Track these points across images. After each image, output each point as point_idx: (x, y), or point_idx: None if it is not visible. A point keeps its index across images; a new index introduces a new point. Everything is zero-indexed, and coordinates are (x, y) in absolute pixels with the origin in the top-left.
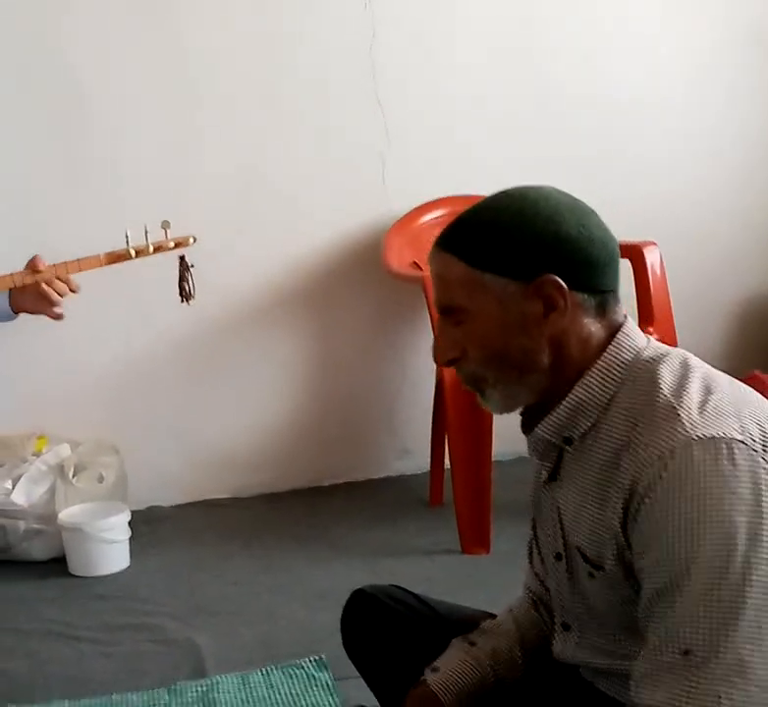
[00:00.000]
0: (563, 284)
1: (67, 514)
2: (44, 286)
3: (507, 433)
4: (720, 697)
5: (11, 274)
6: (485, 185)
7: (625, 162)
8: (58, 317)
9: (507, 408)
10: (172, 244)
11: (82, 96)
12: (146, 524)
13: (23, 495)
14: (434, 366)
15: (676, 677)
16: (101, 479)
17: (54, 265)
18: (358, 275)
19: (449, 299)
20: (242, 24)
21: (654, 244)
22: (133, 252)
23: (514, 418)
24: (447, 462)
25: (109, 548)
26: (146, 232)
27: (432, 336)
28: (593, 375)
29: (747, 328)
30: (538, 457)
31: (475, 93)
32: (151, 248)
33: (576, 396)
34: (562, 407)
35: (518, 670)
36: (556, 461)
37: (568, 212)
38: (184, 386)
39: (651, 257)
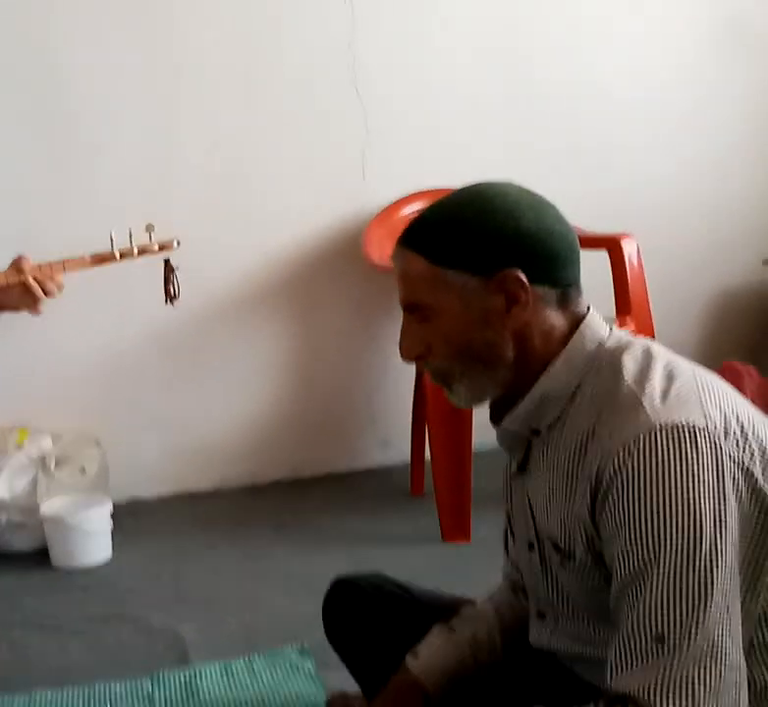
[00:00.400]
0: (524, 278)
1: (49, 505)
2: (31, 280)
3: (486, 424)
4: (695, 681)
5: None
6: (465, 177)
7: (603, 154)
8: (38, 313)
9: (474, 402)
10: (156, 247)
11: (64, 90)
12: (128, 516)
13: (4, 487)
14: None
15: (650, 663)
16: (83, 471)
17: (39, 265)
18: (340, 267)
19: (412, 297)
20: (223, 18)
21: (630, 236)
22: (117, 255)
23: None
24: (427, 452)
25: (91, 540)
26: (130, 235)
27: None
28: (557, 367)
29: (724, 318)
30: (507, 448)
31: (456, 87)
32: (136, 251)
33: (542, 388)
34: (528, 399)
35: (497, 655)
36: (524, 452)
37: (527, 207)
38: (165, 378)
39: (628, 249)
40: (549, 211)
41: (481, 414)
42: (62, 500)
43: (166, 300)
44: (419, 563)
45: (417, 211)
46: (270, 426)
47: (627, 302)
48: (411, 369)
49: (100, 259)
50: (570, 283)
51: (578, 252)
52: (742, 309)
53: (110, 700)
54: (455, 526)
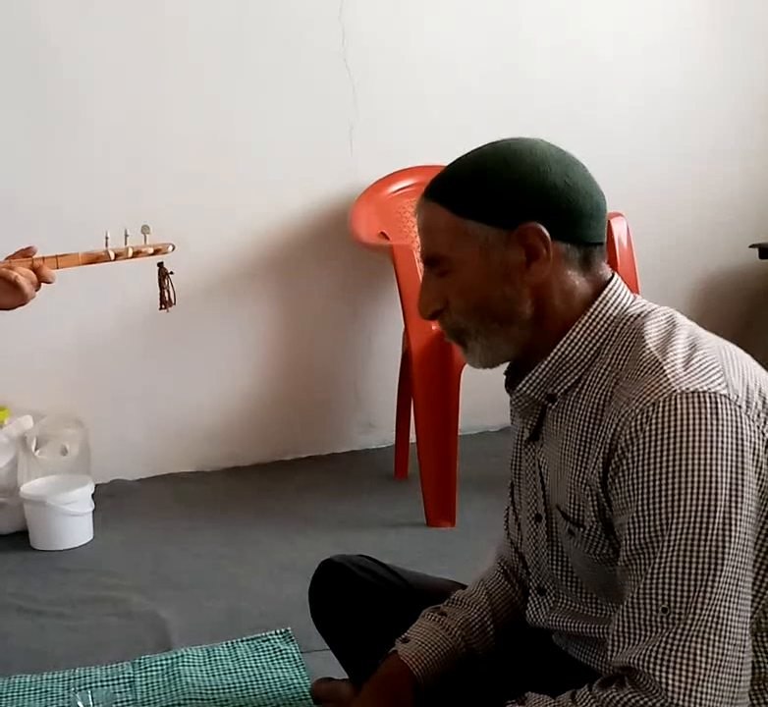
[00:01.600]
0: (545, 232)
1: (29, 486)
2: (15, 273)
3: (472, 407)
4: (696, 654)
5: None
6: (453, 153)
7: (594, 132)
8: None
9: (489, 362)
10: (151, 250)
11: (46, 53)
12: (110, 498)
13: None
14: (401, 339)
15: (652, 634)
16: (65, 452)
17: (32, 260)
18: (326, 245)
19: (433, 249)
20: None
21: (621, 215)
22: (112, 254)
23: (479, 392)
24: (412, 435)
25: (72, 521)
26: (126, 235)
27: (400, 308)
28: (578, 330)
29: (714, 301)
30: (521, 414)
31: (446, 60)
32: (131, 252)
33: (561, 351)
34: (546, 362)
35: (489, 641)
36: (538, 419)
37: (554, 162)
38: (148, 358)
39: (618, 228)
40: (576, 169)
41: (466, 398)
42: (43, 481)
43: (161, 306)
44: (404, 547)
45: (406, 188)
46: (252, 408)
47: None
48: (396, 350)
49: (94, 258)
50: (593, 243)
51: (605, 213)
52: (729, 292)
53: (91, 685)
54: (440, 510)
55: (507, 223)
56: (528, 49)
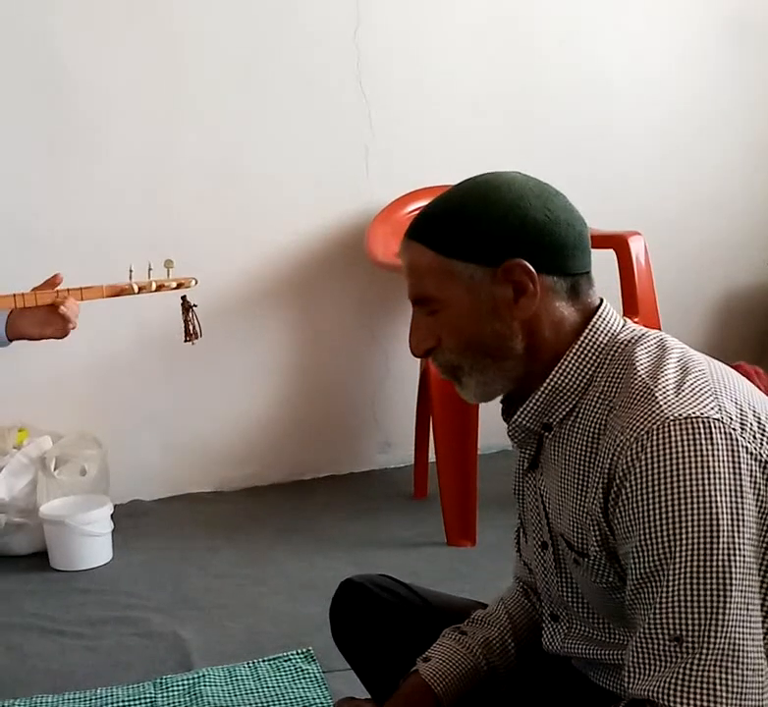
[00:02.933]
0: (531, 267)
1: (49, 507)
2: (64, 307)
3: (491, 426)
4: (716, 684)
5: (13, 294)
6: (469, 174)
7: (610, 152)
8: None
9: (484, 397)
10: (174, 284)
11: (64, 78)
12: (129, 518)
13: (4, 488)
14: (418, 359)
15: (668, 664)
16: (83, 472)
17: (57, 291)
18: (342, 265)
19: (420, 290)
20: (226, 10)
21: (639, 233)
22: (135, 287)
23: (498, 411)
24: (431, 454)
25: (91, 541)
26: (150, 269)
27: None
28: (569, 360)
29: (732, 319)
30: (518, 444)
31: (461, 81)
32: (154, 286)
33: (553, 381)
34: (539, 393)
35: (510, 659)
36: (536, 448)
37: (533, 196)
38: (166, 379)
39: (636, 247)
40: (556, 200)
41: (487, 416)
42: (62, 501)
43: (185, 339)
44: (424, 566)
45: (422, 207)
46: (271, 428)
47: (634, 303)
48: (414, 370)
49: (118, 291)
50: (579, 273)
51: (588, 242)
52: (748, 310)
53: (112, 705)
54: (460, 530)
55: (491, 261)
56: (544, 71)
